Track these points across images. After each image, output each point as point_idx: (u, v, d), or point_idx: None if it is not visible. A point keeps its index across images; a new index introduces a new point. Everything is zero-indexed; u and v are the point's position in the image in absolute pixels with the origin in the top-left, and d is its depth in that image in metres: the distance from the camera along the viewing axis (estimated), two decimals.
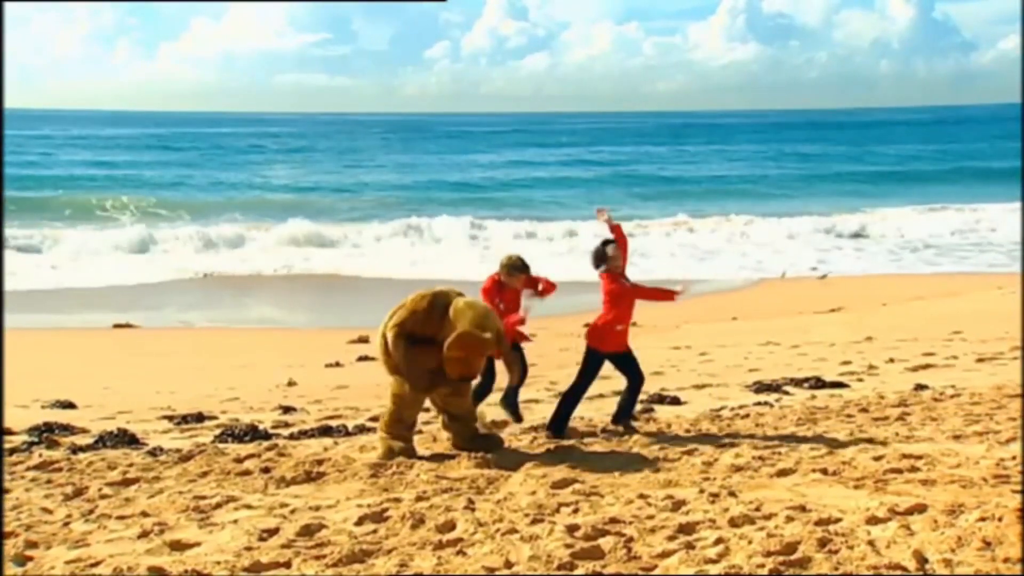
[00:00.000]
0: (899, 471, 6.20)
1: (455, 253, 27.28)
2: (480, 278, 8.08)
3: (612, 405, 9.31)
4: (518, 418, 8.18)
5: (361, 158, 64.49)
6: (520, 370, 7.60)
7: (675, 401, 9.54)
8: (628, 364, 7.82)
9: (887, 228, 31.61)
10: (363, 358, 12.81)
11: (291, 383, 11.15)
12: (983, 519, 4.88)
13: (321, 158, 64.64)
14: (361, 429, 8.26)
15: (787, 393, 9.87)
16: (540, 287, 7.90)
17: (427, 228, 30.80)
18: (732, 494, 5.78)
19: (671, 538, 4.96)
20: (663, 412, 9.02)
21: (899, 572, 4.35)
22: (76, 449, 7.68)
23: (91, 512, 5.87)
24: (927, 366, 11.28)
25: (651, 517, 5.35)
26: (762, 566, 4.46)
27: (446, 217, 32.44)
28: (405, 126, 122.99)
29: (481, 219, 32.31)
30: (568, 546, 4.84)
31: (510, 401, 8.13)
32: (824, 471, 6.29)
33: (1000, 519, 4.82)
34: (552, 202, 40.36)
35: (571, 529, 5.10)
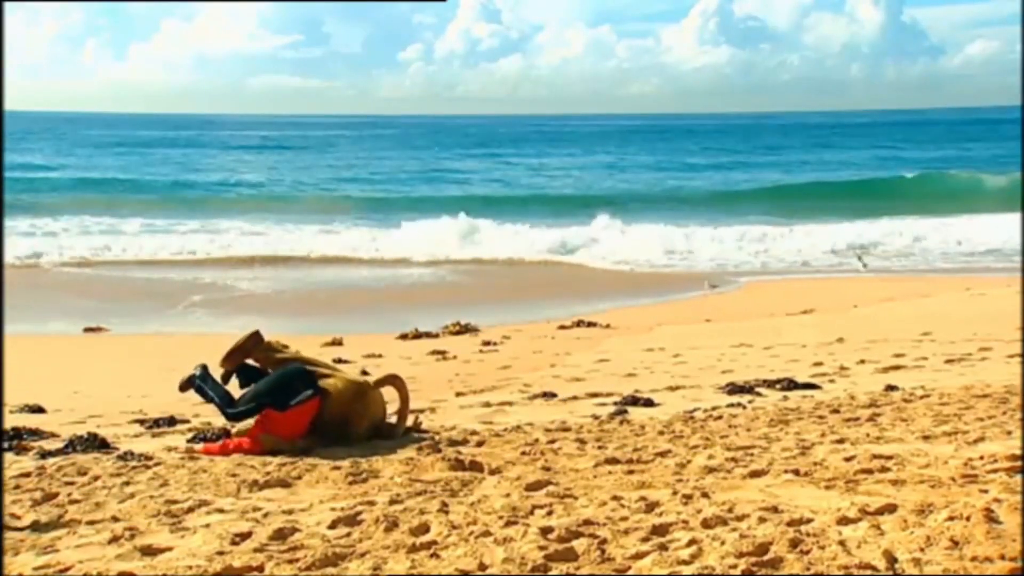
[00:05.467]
0: (870, 471, 6.26)
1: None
2: None
3: (586, 407, 9.34)
4: None
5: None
6: None
7: (648, 403, 9.57)
8: None
9: None
10: (337, 361, 12.75)
11: None
12: (951, 518, 4.93)
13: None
14: None
15: (760, 395, 9.93)
16: None
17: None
18: (705, 495, 5.81)
19: (644, 539, 4.97)
20: (636, 414, 9.05)
21: (869, 572, 4.38)
22: (45, 454, 7.59)
23: (60, 517, 5.81)
24: (897, 367, 11.40)
25: (624, 519, 5.37)
26: (734, 567, 4.48)
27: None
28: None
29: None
30: (542, 548, 4.84)
31: None
32: (796, 472, 6.34)
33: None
34: None
35: (545, 531, 5.11)
